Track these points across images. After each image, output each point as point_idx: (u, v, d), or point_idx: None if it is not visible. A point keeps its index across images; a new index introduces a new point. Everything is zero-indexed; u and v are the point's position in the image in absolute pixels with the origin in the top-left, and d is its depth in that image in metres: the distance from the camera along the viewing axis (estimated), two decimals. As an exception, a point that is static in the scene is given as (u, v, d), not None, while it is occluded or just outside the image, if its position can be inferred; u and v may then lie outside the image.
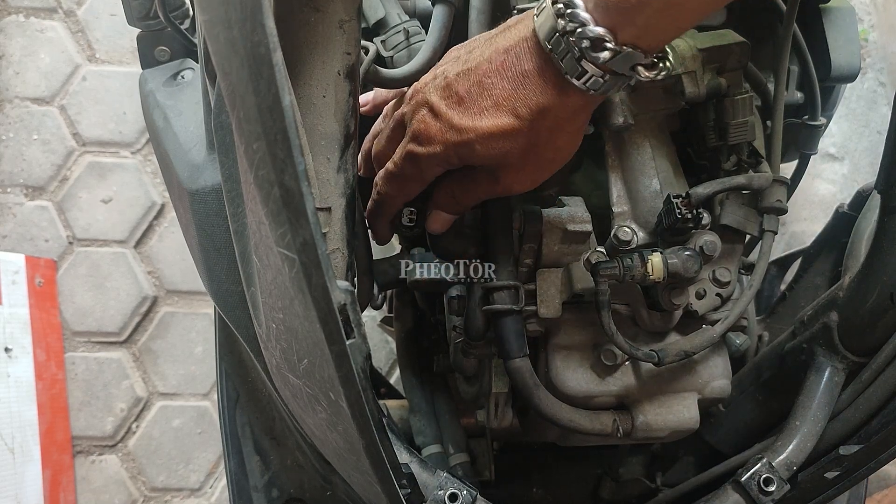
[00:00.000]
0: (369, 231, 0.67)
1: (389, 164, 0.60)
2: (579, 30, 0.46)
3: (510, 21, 0.54)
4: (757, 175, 0.67)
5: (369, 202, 0.65)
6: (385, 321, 1.20)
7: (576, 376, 0.66)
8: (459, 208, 0.61)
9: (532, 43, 0.51)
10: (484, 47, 0.54)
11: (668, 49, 0.52)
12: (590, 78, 0.48)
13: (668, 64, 0.51)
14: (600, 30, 0.46)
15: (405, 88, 0.63)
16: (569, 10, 0.47)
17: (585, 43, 0.47)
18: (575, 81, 0.49)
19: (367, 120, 0.68)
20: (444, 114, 0.54)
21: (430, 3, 0.78)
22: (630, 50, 0.47)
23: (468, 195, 0.60)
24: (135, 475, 1.70)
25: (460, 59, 0.55)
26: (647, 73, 0.49)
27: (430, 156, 0.56)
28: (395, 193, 0.61)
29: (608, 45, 0.46)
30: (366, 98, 0.71)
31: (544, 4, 0.49)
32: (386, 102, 0.68)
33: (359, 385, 0.36)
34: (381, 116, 0.66)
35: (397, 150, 0.59)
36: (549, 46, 0.49)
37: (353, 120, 0.58)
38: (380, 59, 0.73)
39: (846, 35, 0.86)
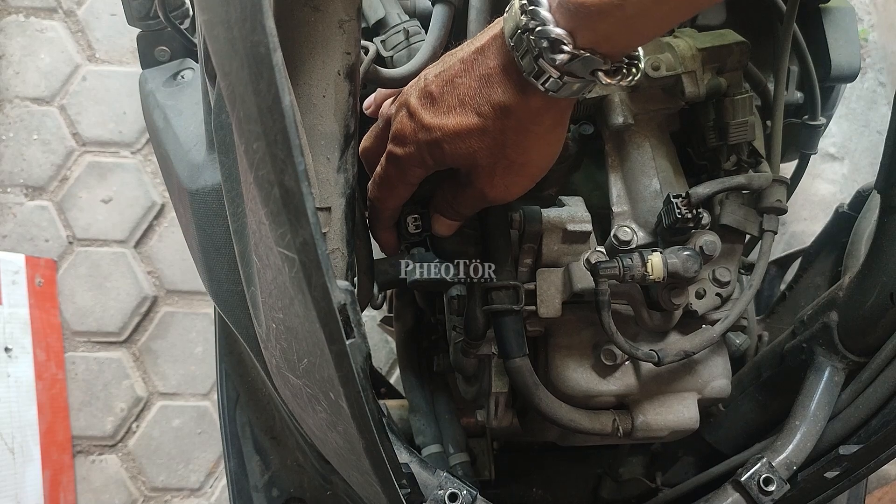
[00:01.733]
0: (370, 233, 0.67)
1: (378, 168, 0.60)
2: (539, 28, 0.46)
3: (495, 21, 0.54)
4: (757, 175, 0.67)
5: (368, 207, 0.65)
6: (385, 321, 1.20)
7: (576, 376, 0.66)
8: (454, 214, 0.61)
9: (499, 41, 0.50)
10: (464, 48, 0.54)
11: (640, 59, 0.51)
12: (548, 78, 0.48)
13: (635, 70, 0.50)
14: (560, 31, 0.45)
15: (402, 88, 0.64)
16: (531, 7, 0.46)
17: (544, 43, 0.46)
18: (533, 81, 0.48)
19: (368, 120, 0.68)
20: (418, 113, 0.54)
21: (429, 3, 0.78)
22: (587, 55, 0.46)
23: (457, 200, 0.60)
24: (135, 475, 1.70)
25: (443, 61, 0.55)
26: (607, 80, 0.48)
27: (406, 156, 0.56)
28: (383, 197, 0.61)
29: (565, 47, 0.46)
30: (368, 101, 0.71)
31: (513, 1, 0.49)
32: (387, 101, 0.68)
33: (359, 385, 0.36)
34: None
35: (384, 154, 0.59)
36: (512, 44, 0.48)
37: (353, 120, 0.58)
38: (380, 59, 0.73)
39: (846, 35, 0.86)
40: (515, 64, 0.49)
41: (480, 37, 0.53)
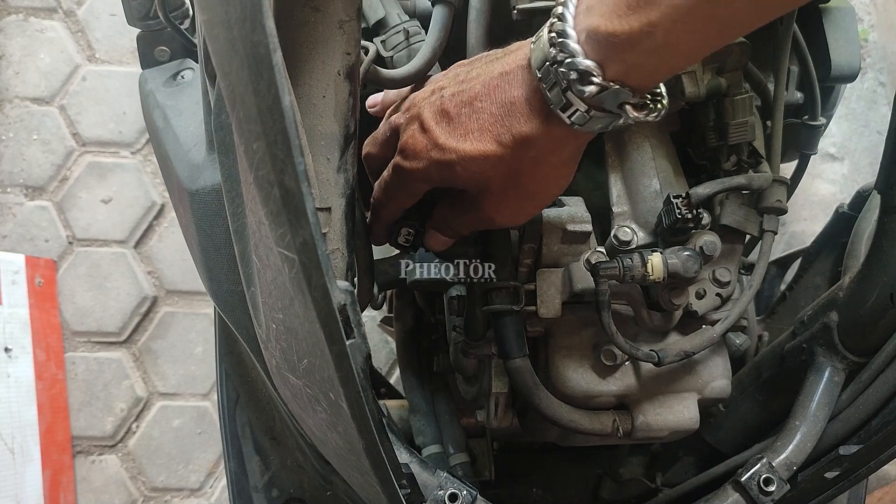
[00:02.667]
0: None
1: (384, 173, 0.60)
2: (568, 60, 0.45)
3: (514, 45, 0.53)
4: (757, 175, 0.67)
5: (371, 207, 0.65)
6: (385, 321, 1.20)
7: (576, 376, 0.66)
8: (452, 232, 0.61)
9: (525, 70, 0.50)
10: (483, 68, 0.53)
11: (664, 94, 0.50)
12: (575, 111, 0.47)
13: (661, 106, 0.49)
14: (589, 63, 0.45)
15: (412, 91, 0.63)
16: (560, 40, 0.46)
17: (573, 75, 0.45)
18: (560, 113, 0.48)
19: (368, 120, 0.68)
20: (432, 131, 0.53)
21: (429, 3, 0.78)
22: (617, 87, 0.46)
23: (457, 220, 0.60)
24: (135, 475, 1.70)
25: (459, 78, 0.55)
26: (636, 114, 0.48)
27: (413, 171, 0.55)
28: (386, 202, 0.61)
29: (595, 79, 0.45)
30: (374, 99, 0.71)
31: (542, 32, 0.48)
32: (393, 104, 0.68)
33: (359, 385, 0.36)
34: (383, 120, 0.66)
35: (391, 162, 0.59)
36: (539, 75, 0.48)
37: (353, 120, 0.58)
38: (380, 59, 0.73)
39: (846, 35, 0.86)
40: (541, 94, 0.49)
41: (503, 60, 0.52)
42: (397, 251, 0.70)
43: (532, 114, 0.50)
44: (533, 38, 0.50)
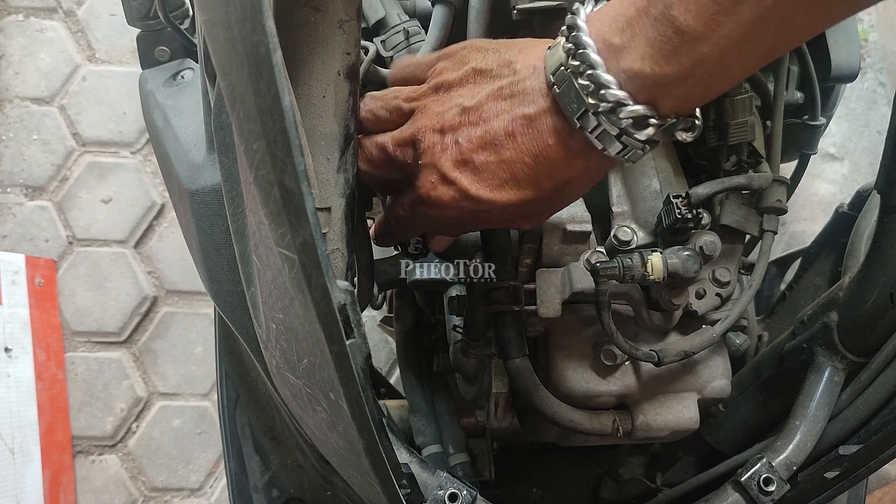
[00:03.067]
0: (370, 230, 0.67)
1: (398, 210, 0.57)
2: (619, 108, 0.43)
3: (522, 72, 0.49)
4: (757, 175, 0.67)
5: (379, 222, 0.63)
6: (385, 321, 1.19)
7: (576, 376, 0.66)
8: (461, 233, 0.63)
9: (553, 115, 0.47)
10: (495, 103, 0.49)
11: (698, 114, 0.49)
12: (629, 151, 0.46)
13: (699, 122, 0.48)
14: (640, 108, 0.43)
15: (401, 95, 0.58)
16: (598, 90, 0.43)
17: (627, 122, 0.44)
18: (612, 154, 0.46)
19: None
20: (459, 183, 0.50)
21: (429, 3, 0.78)
22: (674, 120, 0.45)
23: (472, 228, 0.61)
24: (135, 475, 1.70)
25: (467, 113, 0.50)
26: (685, 136, 0.47)
27: (443, 219, 0.54)
28: (400, 233, 0.61)
29: (652, 121, 0.44)
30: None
31: (560, 64, 0.45)
32: (405, 77, 0.61)
33: (359, 385, 0.36)
34: (367, 138, 0.59)
35: (406, 199, 0.56)
36: (578, 124, 0.45)
37: (353, 120, 0.58)
38: (380, 59, 0.73)
39: (846, 35, 0.86)
40: (582, 137, 0.46)
41: (519, 96, 0.48)
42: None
43: (572, 158, 0.48)
44: (549, 78, 0.47)
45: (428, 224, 0.57)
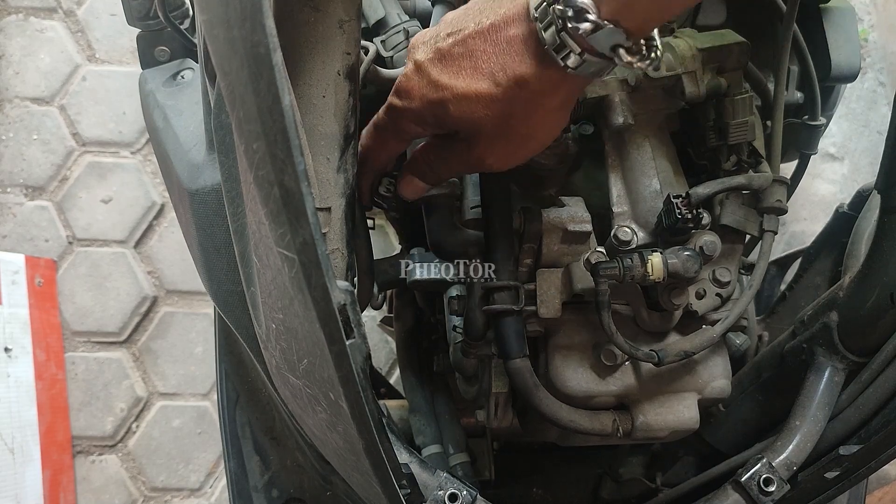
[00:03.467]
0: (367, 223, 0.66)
1: (375, 117, 0.59)
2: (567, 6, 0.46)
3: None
4: (757, 175, 0.67)
5: (364, 132, 0.64)
6: (385, 321, 1.20)
7: (576, 376, 0.66)
8: (433, 177, 0.61)
9: (522, 10, 0.50)
10: (480, 12, 0.53)
11: (658, 43, 0.50)
12: (569, 54, 0.48)
13: (654, 56, 0.49)
14: (585, 0, 0.45)
15: None
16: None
17: (569, 12, 0.46)
18: (554, 55, 0.48)
19: (366, 120, 0.68)
20: (426, 69, 0.53)
21: (429, 3, 0.78)
22: (611, 26, 0.46)
23: (442, 163, 0.59)
24: (135, 475, 1.70)
25: (455, 21, 0.54)
26: (629, 58, 0.48)
27: (406, 110, 0.55)
28: (375, 148, 0.60)
29: (589, 16, 0.46)
30: None
31: None
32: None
33: (359, 385, 0.36)
34: None
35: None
36: (536, 15, 0.48)
37: (353, 120, 0.58)
38: (380, 59, 0.73)
39: (846, 35, 0.86)
40: (537, 36, 0.49)
41: (500, 2, 0.52)
42: (396, 251, 0.70)
43: (528, 54, 0.50)
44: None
45: (395, 126, 0.57)
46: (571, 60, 0.48)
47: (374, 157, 0.61)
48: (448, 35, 0.53)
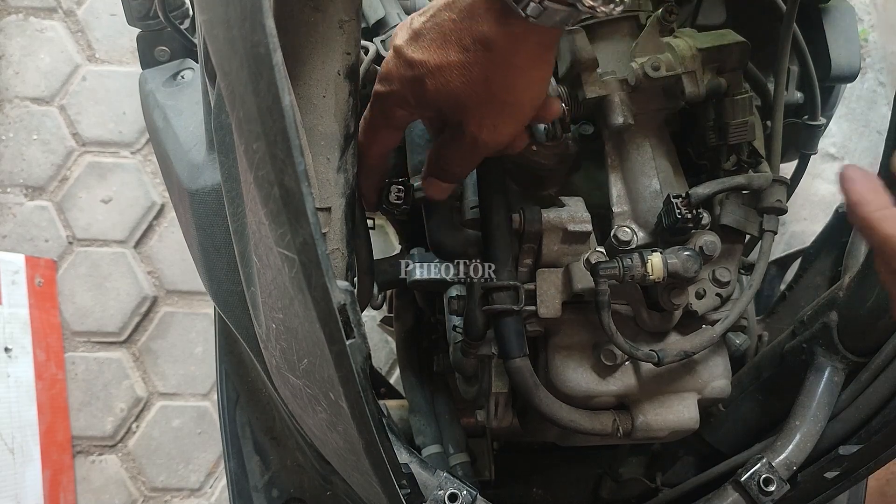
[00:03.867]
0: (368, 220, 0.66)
1: (365, 112, 0.60)
2: None
3: None
4: (757, 175, 0.67)
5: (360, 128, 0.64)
6: (385, 321, 1.20)
7: (576, 376, 0.66)
8: (447, 174, 0.61)
9: None
10: None
11: None
12: (528, 3, 0.47)
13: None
14: None
15: None
16: None
17: None
18: (514, 5, 0.48)
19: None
20: (402, 51, 0.53)
21: (429, 3, 0.78)
22: None
23: (447, 157, 0.59)
24: (135, 475, 1.70)
25: (432, 1, 0.55)
26: (590, 2, 0.47)
27: (389, 94, 0.55)
28: (368, 142, 0.60)
29: None
30: None
31: None
32: None
33: (359, 385, 0.36)
34: None
35: None
36: None
37: (353, 120, 0.58)
38: (380, 59, 0.73)
39: (846, 35, 0.86)
40: None
41: None
42: (396, 251, 0.70)
43: (489, 14, 0.49)
44: None
45: (384, 113, 0.57)
46: (531, 9, 0.47)
47: (369, 152, 0.61)
48: (421, 14, 0.54)
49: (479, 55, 0.51)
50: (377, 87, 0.57)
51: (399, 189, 0.63)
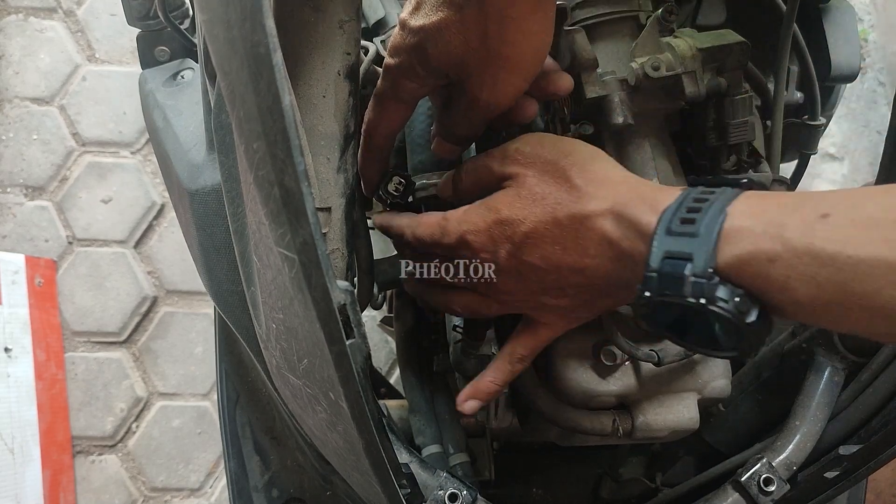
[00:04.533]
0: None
1: (374, 90, 0.60)
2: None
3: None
4: (757, 175, 0.67)
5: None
6: (385, 321, 1.20)
7: (576, 376, 0.66)
8: (453, 137, 0.60)
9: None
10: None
11: None
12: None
13: None
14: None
15: None
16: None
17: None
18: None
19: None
20: (406, 22, 0.54)
21: (430, 3, 0.78)
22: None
23: (452, 120, 0.59)
24: (135, 475, 1.70)
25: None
26: None
27: (396, 66, 0.55)
28: (375, 119, 0.60)
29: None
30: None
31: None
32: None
33: (359, 385, 0.36)
34: None
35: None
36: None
37: (353, 120, 0.58)
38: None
39: (846, 35, 0.86)
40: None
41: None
42: (397, 251, 0.70)
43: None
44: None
45: (390, 88, 0.58)
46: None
47: (377, 131, 0.61)
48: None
49: (474, 11, 0.50)
50: (387, 60, 0.57)
51: (400, 181, 0.63)
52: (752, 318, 0.40)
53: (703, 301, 0.40)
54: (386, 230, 0.64)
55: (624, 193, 0.49)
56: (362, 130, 0.62)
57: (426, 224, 0.59)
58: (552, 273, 0.53)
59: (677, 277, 0.42)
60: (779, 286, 0.39)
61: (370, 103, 0.61)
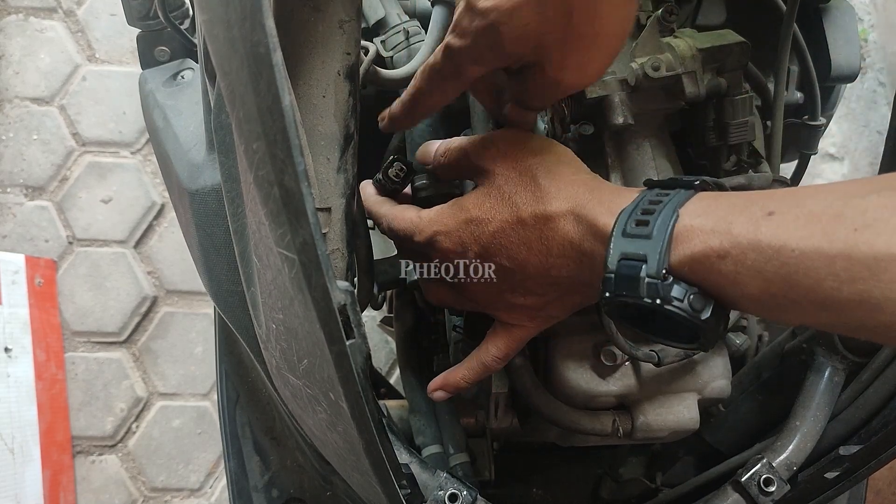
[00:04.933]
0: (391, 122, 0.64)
1: (430, 59, 0.55)
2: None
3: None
4: (757, 175, 0.67)
5: (402, 97, 0.60)
6: (385, 321, 1.20)
7: (576, 377, 0.66)
8: (528, 106, 0.57)
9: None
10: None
11: None
12: None
13: None
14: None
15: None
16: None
17: None
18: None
19: (369, 120, 0.68)
20: (472, 1, 0.49)
21: (429, 3, 0.78)
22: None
23: (528, 92, 0.54)
24: (135, 475, 1.70)
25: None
26: None
27: (462, 48, 0.51)
28: (430, 90, 0.56)
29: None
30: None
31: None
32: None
33: (359, 385, 0.36)
34: None
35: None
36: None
37: (353, 120, 0.58)
38: (380, 59, 0.73)
39: (846, 35, 0.86)
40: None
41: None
42: (396, 251, 0.70)
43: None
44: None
45: (455, 66, 0.54)
46: None
47: (427, 101, 0.57)
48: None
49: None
50: (449, 39, 0.52)
51: (402, 168, 0.62)
52: (706, 314, 0.41)
53: (658, 301, 0.41)
54: (369, 214, 0.63)
55: (584, 195, 0.49)
56: (409, 92, 0.58)
57: (401, 219, 0.59)
58: (518, 273, 0.53)
59: (633, 279, 0.43)
60: (730, 281, 0.40)
61: (423, 71, 0.56)
